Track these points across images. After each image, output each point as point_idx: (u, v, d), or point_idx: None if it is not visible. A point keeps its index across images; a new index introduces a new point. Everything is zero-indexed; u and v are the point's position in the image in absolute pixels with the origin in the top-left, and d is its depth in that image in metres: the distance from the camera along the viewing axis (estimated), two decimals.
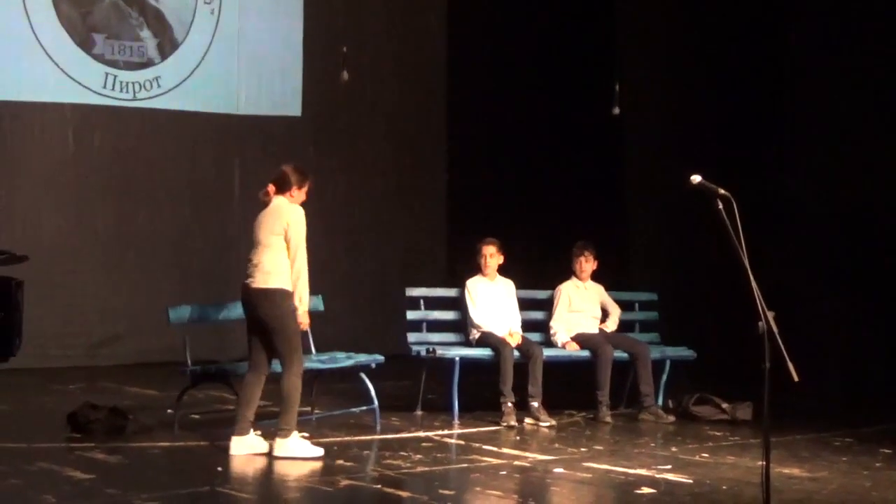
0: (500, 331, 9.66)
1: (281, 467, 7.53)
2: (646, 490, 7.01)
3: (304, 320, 7.90)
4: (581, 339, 9.90)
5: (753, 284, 5.35)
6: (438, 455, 8.08)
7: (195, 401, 9.50)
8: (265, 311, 7.80)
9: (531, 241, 11.61)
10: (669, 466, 7.69)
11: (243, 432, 7.83)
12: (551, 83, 13.50)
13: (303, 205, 7.95)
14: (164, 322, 8.76)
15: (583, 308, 10.09)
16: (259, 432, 7.96)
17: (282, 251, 7.80)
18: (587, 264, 10.13)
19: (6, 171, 12.43)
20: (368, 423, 8.96)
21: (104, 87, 12.85)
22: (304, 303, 7.86)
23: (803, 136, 11.52)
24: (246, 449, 7.81)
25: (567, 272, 10.19)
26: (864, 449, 8.46)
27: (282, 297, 7.78)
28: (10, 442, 7.78)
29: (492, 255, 9.80)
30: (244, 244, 13.21)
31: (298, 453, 7.74)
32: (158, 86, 13.11)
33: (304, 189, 7.99)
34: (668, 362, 10.12)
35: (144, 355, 12.40)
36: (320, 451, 7.83)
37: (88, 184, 12.80)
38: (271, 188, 7.96)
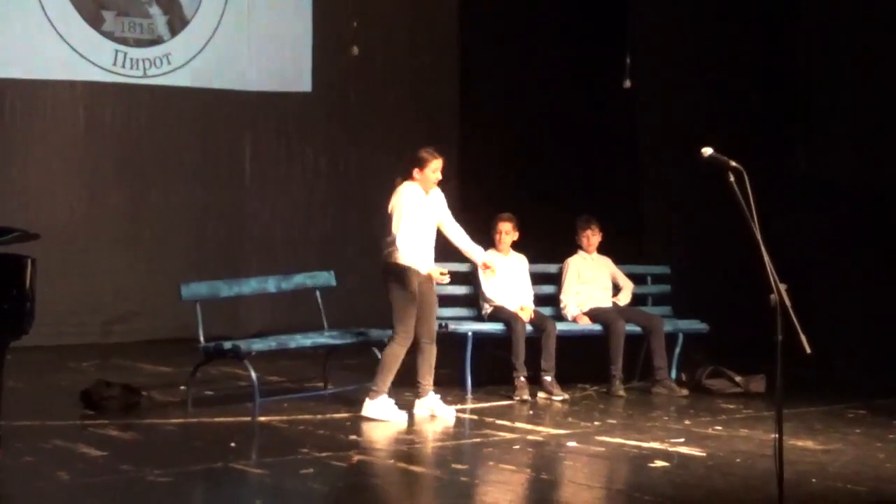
0: (512, 305, 9.65)
1: (294, 442, 7.54)
2: (659, 463, 7.02)
3: (435, 276, 8.31)
4: (594, 313, 9.89)
5: (766, 257, 5.33)
6: (451, 429, 8.09)
7: (208, 377, 9.53)
8: (385, 284, 8.33)
9: (543, 216, 11.56)
10: (683, 440, 7.70)
11: (422, 395, 8.45)
12: (563, 56, 13.43)
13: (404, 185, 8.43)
14: (178, 299, 8.78)
15: (592, 279, 10.08)
16: (439, 396, 8.51)
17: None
18: (594, 238, 10.13)
19: (18, 149, 12.43)
20: None
21: (114, 64, 12.82)
22: (421, 269, 8.25)
23: (818, 108, 11.46)
24: (426, 409, 8.42)
25: (575, 246, 10.19)
26: (877, 421, 8.45)
27: (394, 272, 8.24)
28: (24, 419, 7.80)
29: (507, 232, 9.79)
30: (256, 220, 13.43)
31: (382, 415, 8.19)
32: (168, 63, 13.08)
33: (427, 169, 8.40)
34: (680, 335, 10.11)
35: (158, 332, 12.41)
36: (404, 416, 8.26)
37: (100, 161, 12.79)
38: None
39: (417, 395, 8.47)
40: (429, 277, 8.34)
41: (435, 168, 8.40)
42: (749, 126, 11.47)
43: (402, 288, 8.25)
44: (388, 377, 8.29)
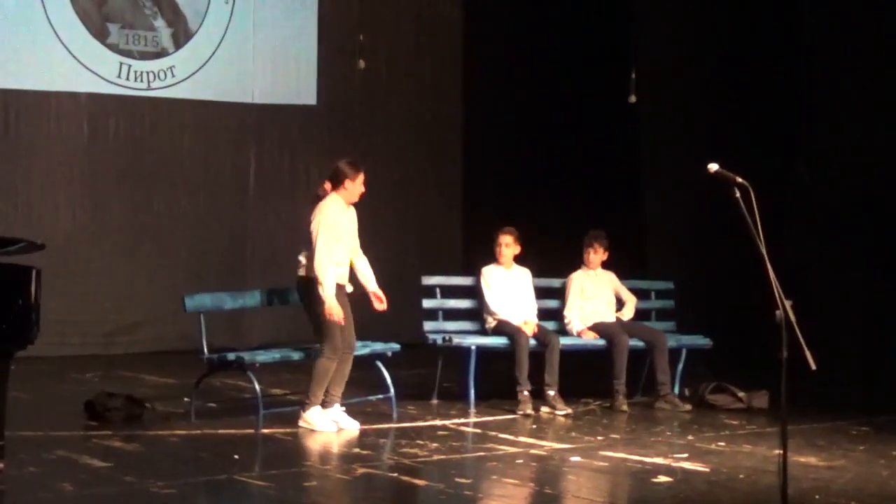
0: (515, 319, 9.65)
1: (298, 455, 7.55)
2: (662, 478, 7.01)
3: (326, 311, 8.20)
4: (598, 328, 9.89)
5: (770, 273, 5.34)
6: (455, 443, 8.10)
7: (212, 389, 9.53)
8: (303, 298, 8.39)
9: (547, 230, 11.58)
10: (686, 455, 7.69)
11: (328, 405, 8.39)
12: (567, 71, 13.46)
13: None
14: (181, 310, 8.78)
15: (596, 294, 10.08)
16: (343, 408, 8.51)
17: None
18: (595, 256, 10.10)
19: (22, 159, 12.44)
20: (385, 411, 8.98)
21: (119, 76, 12.85)
22: (322, 292, 8.17)
23: (821, 122, 11.47)
24: (330, 420, 8.36)
25: (578, 261, 10.19)
26: (881, 438, 8.44)
27: (313, 286, 8.24)
28: (28, 430, 7.80)
29: (507, 245, 9.80)
30: (260, 233, 13.45)
31: (314, 426, 8.22)
32: (173, 75, 13.10)
33: (357, 181, 8.43)
34: (684, 351, 10.10)
35: (161, 343, 12.42)
36: (333, 428, 8.27)
37: (104, 173, 12.80)
38: (327, 185, 8.48)
39: (324, 406, 8.37)
40: (342, 289, 8.35)
41: (362, 179, 8.44)
42: (752, 141, 11.48)
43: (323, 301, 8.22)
44: (320, 390, 8.30)
